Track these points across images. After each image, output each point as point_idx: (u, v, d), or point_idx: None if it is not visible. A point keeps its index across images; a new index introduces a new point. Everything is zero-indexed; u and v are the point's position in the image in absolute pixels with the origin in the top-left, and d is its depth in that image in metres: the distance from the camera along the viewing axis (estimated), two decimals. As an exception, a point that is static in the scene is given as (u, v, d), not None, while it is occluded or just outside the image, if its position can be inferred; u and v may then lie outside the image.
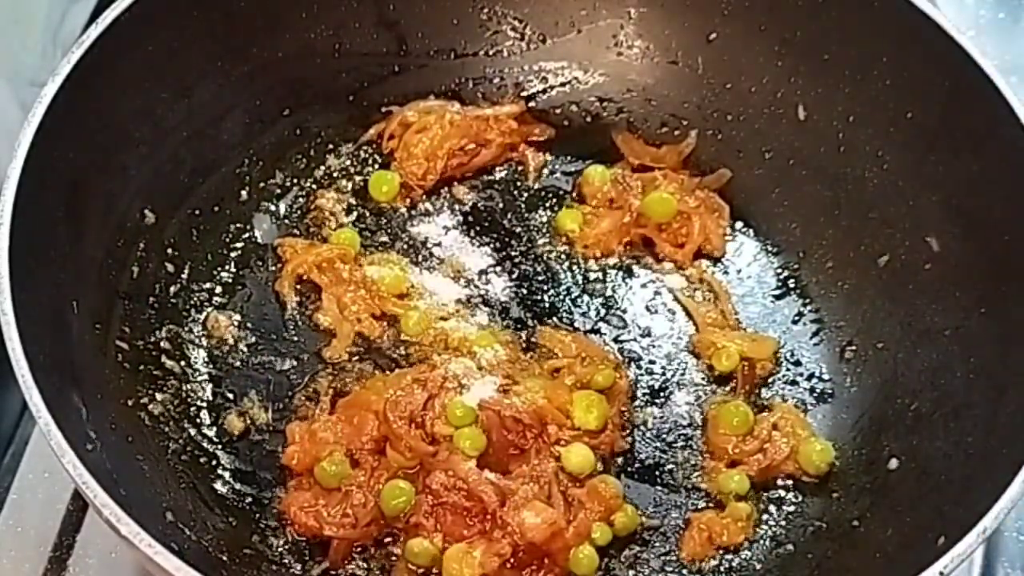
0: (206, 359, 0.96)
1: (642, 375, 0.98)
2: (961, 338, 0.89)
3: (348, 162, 1.08)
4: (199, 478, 0.89)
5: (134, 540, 0.69)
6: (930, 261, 0.93)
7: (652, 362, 0.98)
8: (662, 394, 0.97)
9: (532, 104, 1.11)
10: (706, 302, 1.01)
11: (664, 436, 0.94)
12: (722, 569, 0.89)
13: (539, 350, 0.98)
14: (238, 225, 1.03)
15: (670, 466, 0.93)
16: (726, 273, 1.04)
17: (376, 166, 1.08)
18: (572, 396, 0.92)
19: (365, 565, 0.87)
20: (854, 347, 0.97)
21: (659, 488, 0.92)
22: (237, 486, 0.90)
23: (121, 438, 0.84)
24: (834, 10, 0.97)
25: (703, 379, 0.98)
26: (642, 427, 0.95)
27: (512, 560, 0.84)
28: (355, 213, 1.06)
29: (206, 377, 0.95)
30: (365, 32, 1.06)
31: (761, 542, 0.90)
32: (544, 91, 1.11)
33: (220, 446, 0.92)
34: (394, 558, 0.87)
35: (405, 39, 1.08)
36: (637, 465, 0.93)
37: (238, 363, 0.97)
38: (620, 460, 0.93)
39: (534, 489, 0.86)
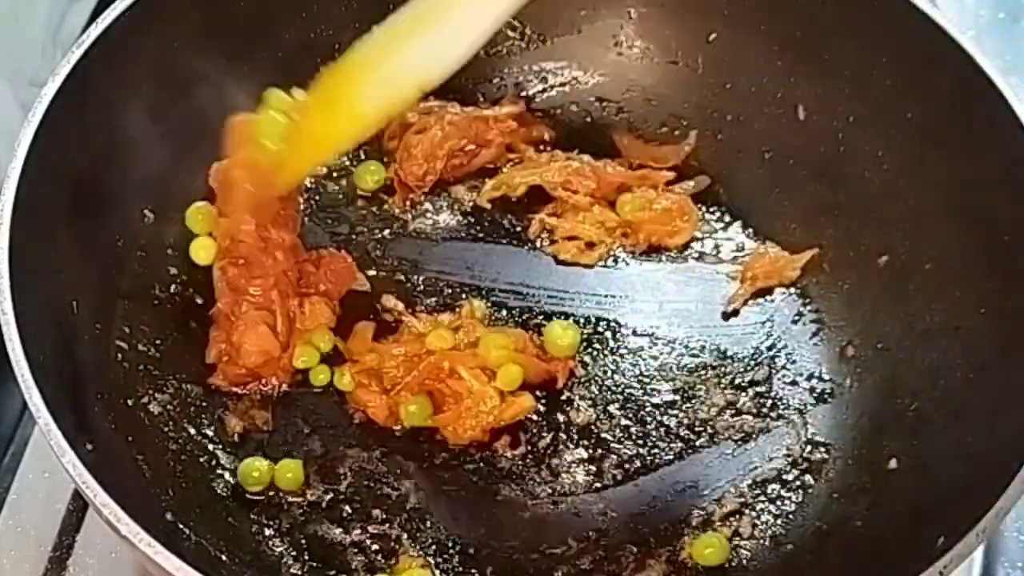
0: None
1: (641, 374, 0.98)
2: (961, 338, 0.89)
3: (348, 162, 1.08)
4: (199, 478, 0.89)
5: (134, 540, 0.69)
6: (930, 261, 0.93)
7: (653, 358, 0.98)
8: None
9: (532, 104, 1.11)
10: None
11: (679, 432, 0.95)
12: (722, 569, 0.89)
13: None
14: (238, 225, 1.03)
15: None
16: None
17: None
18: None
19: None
20: (854, 347, 0.97)
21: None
22: (237, 486, 0.90)
23: (121, 438, 0.84)
24: (834, 10, 0.97)
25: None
26: (651, 425, 0.95)
27: None
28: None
29: (206, 377, 0.95)
30: (365, 32, 1.06)
31: (761, 542, 0.90)
32: (544, 91, 1.11)
33: (220, 446, 0.92)
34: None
35: (405, 39, 1.08)
36: (638, 465, 0.93)
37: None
38: (635, 464, 0.93)
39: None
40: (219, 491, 0.90)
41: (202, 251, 0.98)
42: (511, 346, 0.95)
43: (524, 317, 1.00)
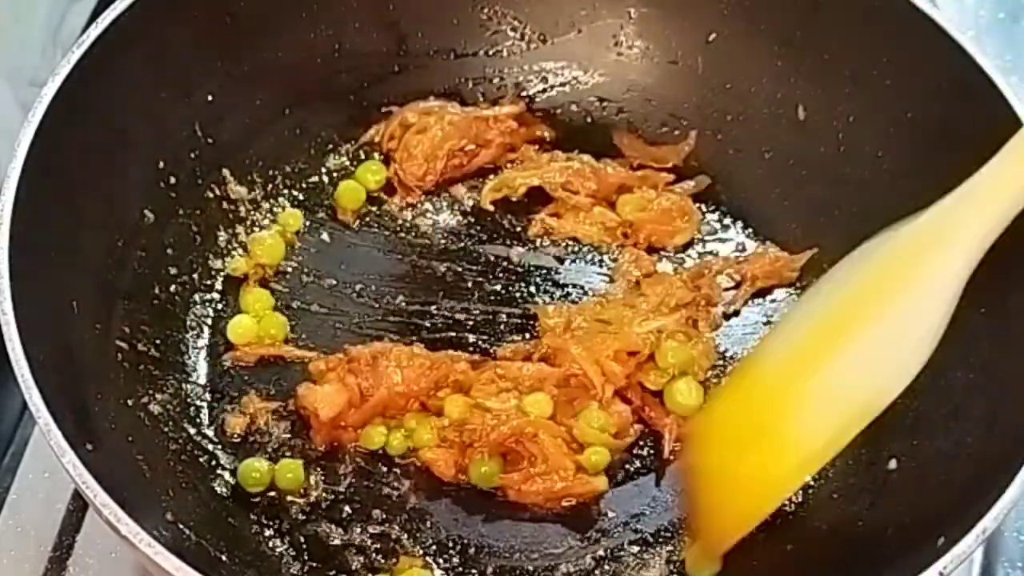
0: (206, 358, 0.96)
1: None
2: (961, 338, 0.89)
3: (348, 162, 1.08)
4: (199, 478, 0.89)
5: (134, 540, 0.69)
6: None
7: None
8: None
9: (532, 104, 1.11)
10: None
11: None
12: (723, 569, 0.89)
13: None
14: (239, 225, 1.03)
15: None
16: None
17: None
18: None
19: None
20: (854, 347, 0.97)
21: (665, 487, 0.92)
22: (237, 486, 0.90)
23: (121, 438, 0.84)
24: (834, 10, 0.97)
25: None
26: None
27: None
28: (354, 213, 1.06)
29: (206, 377, 0.95)
30: (365, 32, 1.06)
31: (761, 542, 0.90)
32: (544, 91, 1.11)
33: (220, 446, 0.92)
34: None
35: (405, 39, 1.08)
36: (638, 465, 0.93)
37: (238, 363, 0.97)
38: (635, 464, 0.93)
39: None
40: (219, 491, 0.90)
41: (240, 329, 0.96)
42: (611, 430, 0.91)
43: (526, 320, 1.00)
